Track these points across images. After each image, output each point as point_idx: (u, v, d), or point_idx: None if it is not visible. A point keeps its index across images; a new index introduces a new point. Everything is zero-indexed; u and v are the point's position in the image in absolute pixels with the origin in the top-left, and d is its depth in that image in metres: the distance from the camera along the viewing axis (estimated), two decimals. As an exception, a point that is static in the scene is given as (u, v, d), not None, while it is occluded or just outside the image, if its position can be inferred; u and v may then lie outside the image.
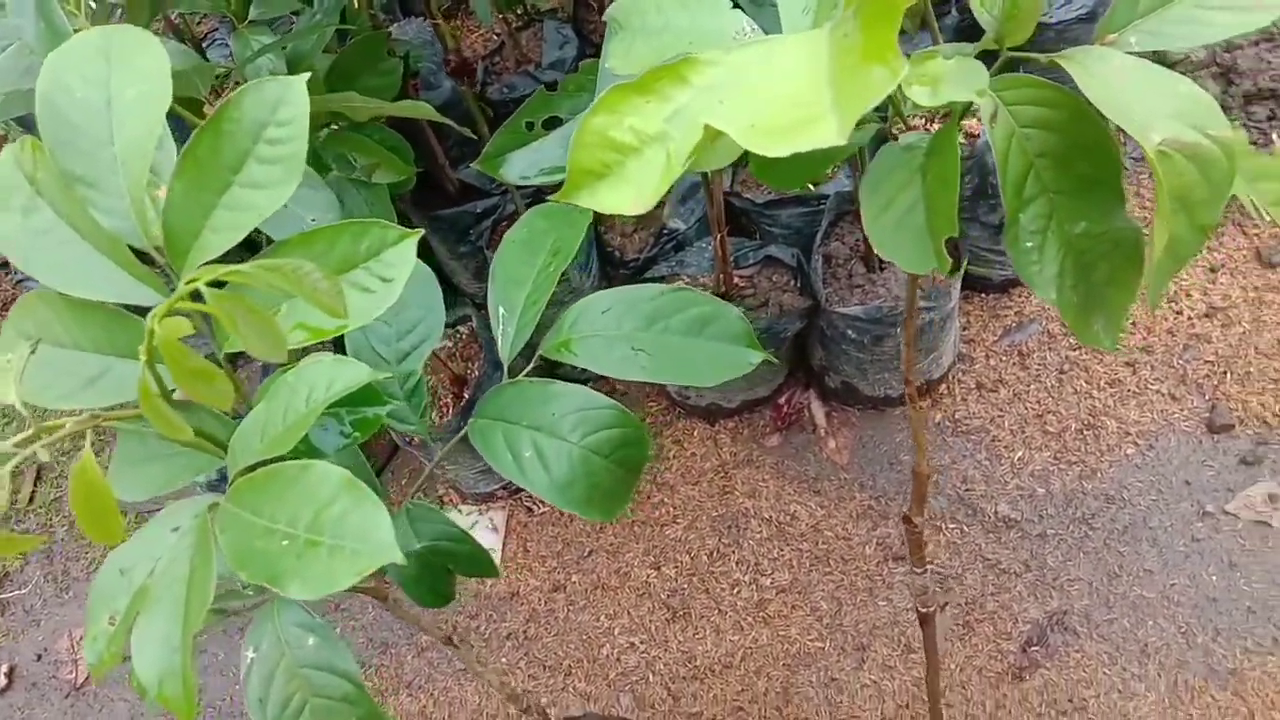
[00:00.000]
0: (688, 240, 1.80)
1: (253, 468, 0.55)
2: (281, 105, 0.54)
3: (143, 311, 0.63)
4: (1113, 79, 0.53)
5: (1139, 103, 0.53)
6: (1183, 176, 0.52)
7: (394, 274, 0.57)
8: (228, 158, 0.55)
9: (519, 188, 1.73)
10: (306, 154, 0.56)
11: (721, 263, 1.53)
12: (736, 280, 1.69)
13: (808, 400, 1.81)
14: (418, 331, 0.78)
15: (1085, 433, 1.66)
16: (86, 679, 1.85)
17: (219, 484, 1.45)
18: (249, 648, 0.73)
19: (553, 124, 1.04)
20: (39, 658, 1.91)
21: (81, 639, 1.93)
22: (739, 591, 1.63)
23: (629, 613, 1.65)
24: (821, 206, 1.73)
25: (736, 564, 1.65)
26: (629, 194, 0.51)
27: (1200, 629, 1.44)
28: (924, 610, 0.87)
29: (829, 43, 0.42)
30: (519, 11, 2.05)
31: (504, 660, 1.65)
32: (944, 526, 1.61)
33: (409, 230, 0.57)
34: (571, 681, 1.60)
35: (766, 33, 0.65)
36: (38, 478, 2.21)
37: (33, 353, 0.56)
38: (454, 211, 1.80)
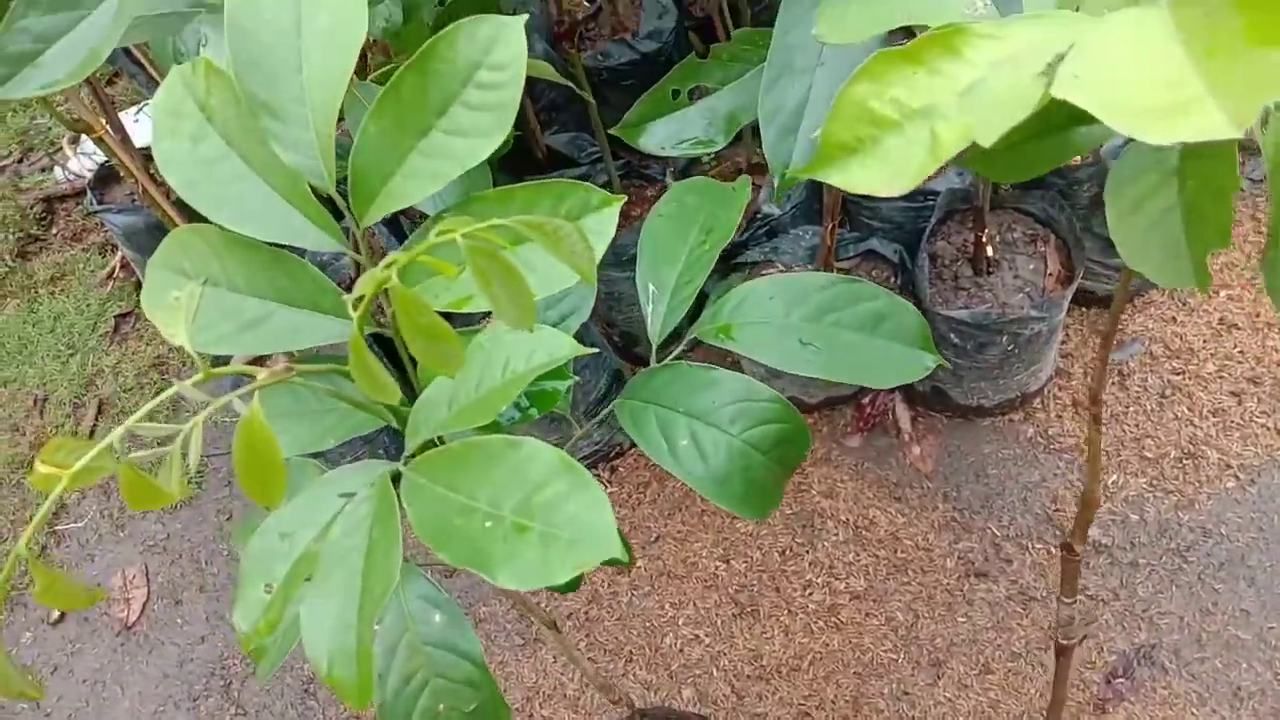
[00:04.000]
0: (782, 227, 1.74)
1: (429, 444, 0.51)
2: (496, 46, 0.50)
3: (305, 255, 0.59)
4: None
5: None
6: None
7: (592, 242, 0.52)
8: (433, 100, 0.50)
9: (616, 159, 1.68)
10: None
11: (827, 253, 1.48)
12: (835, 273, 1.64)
13: (893, 403, 1.75)
14: (567, 302, 0.74)
15: (1184, 461, 1.59)
16: (138, 619, 1.84)
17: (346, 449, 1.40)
18: (372, 619, 0.69)
19: (698, 95, 0.99)
20: (92, 592, 1.90)
21: (134, 577, 1.92)
22: (810, 593, 1.58)
23: (695, 604, 1.61)
24: (926, 203, 1.67)
25: (809, 565, 1.61)
26: (883, 173, 0.46)
27: (1298, 678, 1.38)
28: (1065, 642, 0.82)
29: (1171, 22, 0.37)
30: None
31: (563, 640, 1.61)
32: (1029, 546, 1.55)
33: (612, 196, 0.53)
34: (632, 669, 1.57)
35: (1001, 13, 0.60)
36: (99, 411, 2.19)
37: (203, 294, 0.52)
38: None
